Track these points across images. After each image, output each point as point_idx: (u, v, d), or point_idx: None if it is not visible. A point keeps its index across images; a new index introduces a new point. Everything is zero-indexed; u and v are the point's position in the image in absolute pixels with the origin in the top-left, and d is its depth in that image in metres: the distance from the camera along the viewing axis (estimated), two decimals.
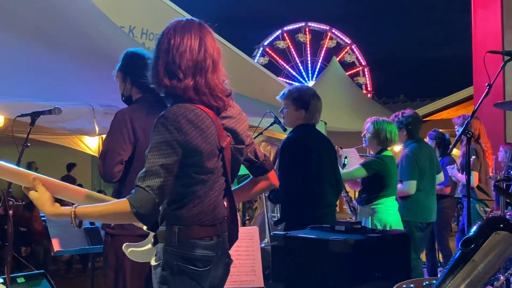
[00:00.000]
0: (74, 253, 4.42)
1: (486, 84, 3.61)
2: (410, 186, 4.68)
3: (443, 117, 13.81)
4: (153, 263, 2.10)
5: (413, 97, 26.89)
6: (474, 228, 1.46)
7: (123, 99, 3.26)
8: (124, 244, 2.17)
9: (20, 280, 3.97)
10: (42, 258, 7.55)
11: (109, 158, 2.98)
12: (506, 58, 3.94)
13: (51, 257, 7.65)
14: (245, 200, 2.50)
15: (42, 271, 4.22)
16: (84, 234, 3.98)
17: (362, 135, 4.57)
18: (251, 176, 2.37)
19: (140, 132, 2.99)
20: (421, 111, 14.49)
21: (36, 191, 2.02)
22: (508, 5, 6.15)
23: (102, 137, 8.65)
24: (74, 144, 9.45)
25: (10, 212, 3.32)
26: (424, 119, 14.38)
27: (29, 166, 12.65)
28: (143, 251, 2.13)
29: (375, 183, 4.32)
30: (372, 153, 4.74)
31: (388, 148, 4.57)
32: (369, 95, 26.77)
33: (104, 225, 3.12)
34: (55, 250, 3.82)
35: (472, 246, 1.43)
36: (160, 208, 2.02)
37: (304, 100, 3.84)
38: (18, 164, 3.57)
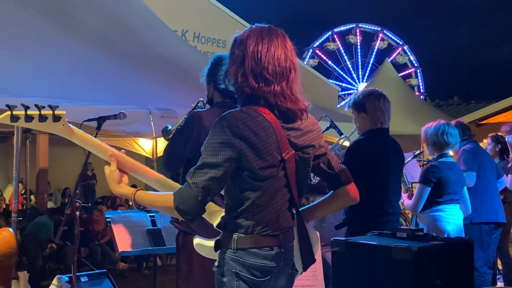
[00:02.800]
0: (137, 253, 4.56)
1: None
2: (469, 178, 4.63)
3: (500, 120, 13.46)
4: (214, 268, 2.15)
5: (468, 99, 26.26)
6: None
7: (207, 100, 3.38)
8: (195, 236, 2.23)
9: (84, 279, 4.13)
10: (99, 257, 7.77)
11: (169, 153, 3.25)
12: None
13: (108, 257, 7.88)
14: (325, 215, 2.46)
15: (104, 270, 4.37)
16: (147, 236, 4.09)
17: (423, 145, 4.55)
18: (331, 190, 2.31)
19: (205, 134, 3.08)
20: (477, 114, 14.19)
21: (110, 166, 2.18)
22: None
23: (156, 140, 8.90)
24: (130, 146, 9.71)
25: (77, 213, 3.45)
26: (480, 122, 14.06)
27: (86, 167, 13.02)
28: (209, 247, 2.16)
29: (432, 190, 4.25)
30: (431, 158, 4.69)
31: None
32: (421, 97, 26.33)
33: (175, 223, 3.21)
34: (119, 250, 3.95)
35: None
36: (204, 207, 2.04)
37: (359, 103, 3.76)
38: (84, 166, 3.74)
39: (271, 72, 2.08)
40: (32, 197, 11.06)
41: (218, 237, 2.14)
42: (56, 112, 2.08)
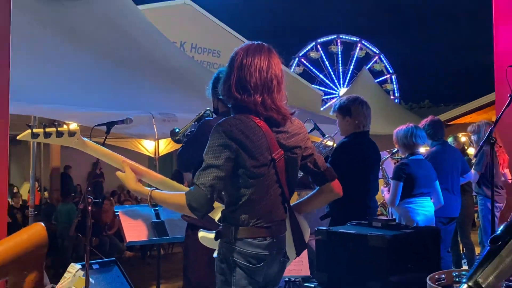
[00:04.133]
0: (144, 243, 4.58)
1: (509, 95, 3.62)
2: None
3: (466, 121, 13.57)
4: (215, 255, 2.19)
5: (437, 102, 26.52)
6: (501, 228, 1.53)
7: (213, 110, 3.42)
8: (200, 230, 2.29)
9: (95, 266, 4.14)
10: (108, 247, 7.79)
11: (183, 156, 3.28)
12: None
13: (115, 247, 7.91)
14: (313, 209, 2.51)
15: (114, 258, 4.37)
16: (152, 227, 4.13)
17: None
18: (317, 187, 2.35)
19: None
20: (446, 115, 14.27)
21: (124, 172, 2.25)
22: None
23: (158, 141, 8.92)
24: (134, 147, 9.73)
25: (89, 208, 3.48)
26: (449, 123, 14.16)
27: (95, 166, 12.96)
28: (211, 238, 2.21)
29: (404, 185, 4.27)
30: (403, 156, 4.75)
31: None
32: (396, 101, 26.43)
33: (185, 216, 3.25)
34: (128, 240, 3.98)
35: (500, 243, 1.51)
36: (213, 204, 2.08)
37: (345, 107, 3.77)
38: (96, 164, 3.77)
39: (253, 84, 2.12)
40: (46, 193, 11.06)
41: (219, 229, 2.19)
42: (71, 128, 2.13)
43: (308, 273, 3.73)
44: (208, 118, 3.36)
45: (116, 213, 4.10)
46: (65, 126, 2.13)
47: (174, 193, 2.16)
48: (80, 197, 9.60)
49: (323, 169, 2.31)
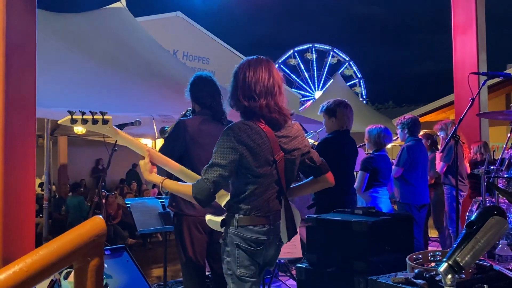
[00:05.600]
0: (152, 231, 4.56)
1: (470, 99, 3.72)
2: (394, 170, 4.75)
3: (426, 120, 13.74)
4: (220, 240, 2.25)
5: (400, 103, 26.82)
6: (476, 214, 1.60)
7: (191, 110, 3.38)
8: (207, 214, 2.31)
9: (107, 252, 4.14)
10: (112, 235, 7.75)
11: (164, 151, 3.16)
12: (483, 78, 4.07)
13: (119, 235, 7.87)
14: (307, 193, 2.57)
15: (123, 245, 4.37)
16: (159, 217, 4.13)
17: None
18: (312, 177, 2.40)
19: (189, 136, 3.09)
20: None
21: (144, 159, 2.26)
22: (481, 32, 6.25)
23: (155, 141, 8.89)
24: None
25: (103, 200, 3.49)
26: None
27: (98, 162, 12.89)
28: (217, 221, 2.25)
29: (370, 176, 4.40)
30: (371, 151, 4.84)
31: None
32: (364, 102, 26.64)
33: (170, 206, 3.24)
34: (139, 229, 3.98)
35: (475, 227, 1.58)
36: (215, 195, 2.14)
37: (331, 109, 3.83)
38: (109, 162, 3.76)
39: (258, 91, 2.18)
40: (53, 187, 10.95)
41: (223, 217, 2.24)
42: (105, 116, 2.14)
43: (300, 255, 3.80)
44: (184, 117, 3.31)
45: (127, 206, 4.09)
46: (100, 115, 2.12)
47: (183, 184, 2.21)
48: (86, 190, 9.54)
49: (318, 163, 2.37)
